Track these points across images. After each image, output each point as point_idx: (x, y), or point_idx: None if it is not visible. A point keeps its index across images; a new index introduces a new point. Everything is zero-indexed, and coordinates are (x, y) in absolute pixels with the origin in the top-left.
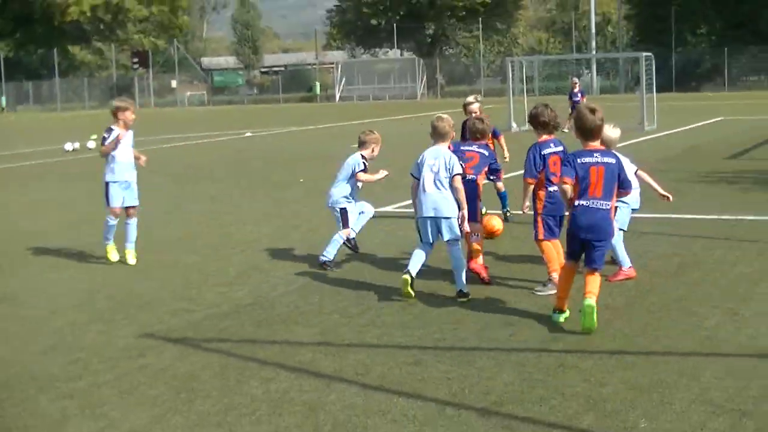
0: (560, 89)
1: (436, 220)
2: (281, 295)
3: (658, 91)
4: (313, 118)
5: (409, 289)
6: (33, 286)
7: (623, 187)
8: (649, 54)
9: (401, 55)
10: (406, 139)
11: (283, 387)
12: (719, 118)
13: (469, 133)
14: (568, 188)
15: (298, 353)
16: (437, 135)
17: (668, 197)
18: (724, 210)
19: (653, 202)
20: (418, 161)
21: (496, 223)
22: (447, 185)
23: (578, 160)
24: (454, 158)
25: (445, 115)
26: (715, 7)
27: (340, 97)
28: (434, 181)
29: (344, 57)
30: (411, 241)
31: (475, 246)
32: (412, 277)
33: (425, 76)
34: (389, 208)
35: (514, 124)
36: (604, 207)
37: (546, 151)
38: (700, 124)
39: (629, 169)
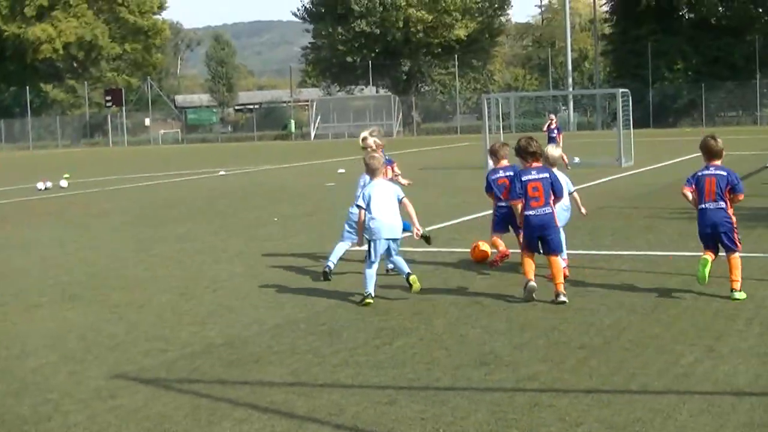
0: (537, 126)
1: (388, 241)
2: (254, 335)
3: (635, 126)
4: (288, 156)
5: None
6: (2, 327)
7: (734, 191)
8: (626, 90)
9: (377, 92)
10: None
11: (256, 428)
12: (697, 154)
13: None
14: (688, 195)
15: (270, 394)
16: (371, 171)
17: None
18: (701, 247)
19: (630, 239)
20: (365, 194)
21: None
22: (397, 211)
23: (698, 174)
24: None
25: (376, 154)
26: (691, 43)
27: (315, 134)
28: (389, 208)
29: (319, 94)
30: (384, 282)
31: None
32: (372, 297)
33: (401, 113)
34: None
35: (490, 162)
36: (720, 206)
37: (525, 178)
38: (677, 160)
39: (568, 188)
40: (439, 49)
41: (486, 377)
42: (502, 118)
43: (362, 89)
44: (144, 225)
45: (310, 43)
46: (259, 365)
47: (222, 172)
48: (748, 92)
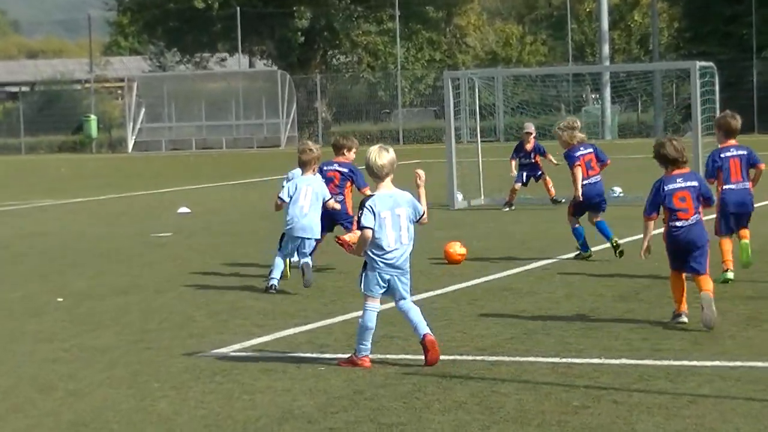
0: (542, 127)
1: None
2: None
3: None
4: (86, 184)
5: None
6: None
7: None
8: (709, 64)
9: (251, 65)
10: (264, 224)
11: None
12: None
13: None
14: None
15: None
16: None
17: None
18: None
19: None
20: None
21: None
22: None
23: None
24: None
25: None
26: None
27: (135, 142)
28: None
29: (144, 68)
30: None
31: None
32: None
33: (295, 105)
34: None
35: (459, 196)
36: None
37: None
38: None
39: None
40: None
41: None
42: (482, 114)
43: (224, 60)
44: None
45: None
46: None
47: None
48: None
